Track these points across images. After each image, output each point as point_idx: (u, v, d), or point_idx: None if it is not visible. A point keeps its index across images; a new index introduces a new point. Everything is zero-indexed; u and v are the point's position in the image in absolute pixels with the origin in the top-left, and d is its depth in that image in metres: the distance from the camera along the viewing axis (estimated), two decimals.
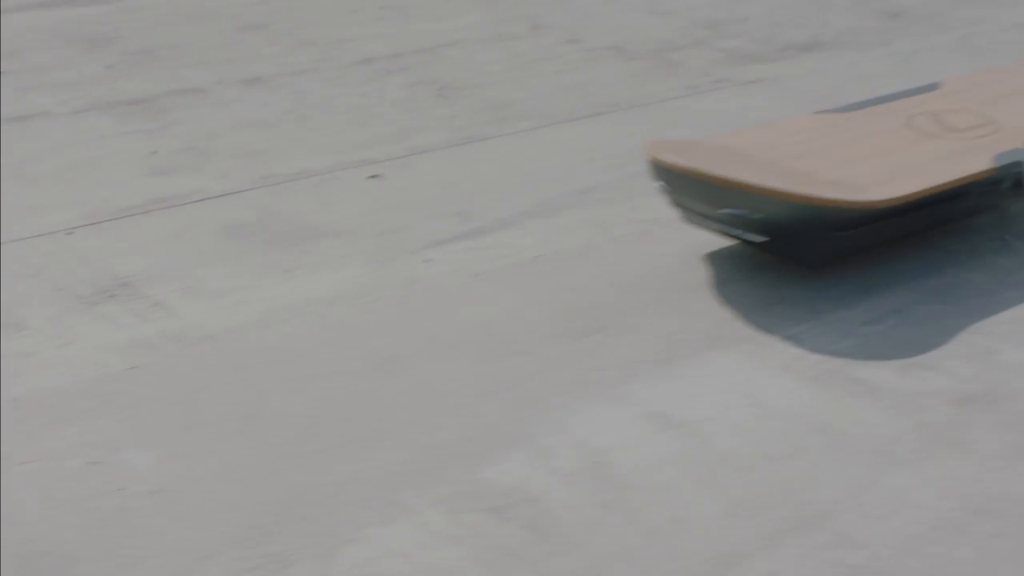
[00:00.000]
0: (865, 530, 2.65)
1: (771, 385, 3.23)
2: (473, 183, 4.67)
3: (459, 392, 3.22)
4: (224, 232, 4.26)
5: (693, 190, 3.74)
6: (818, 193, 3.63)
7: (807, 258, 3.84)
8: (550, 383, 3.24)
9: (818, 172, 3.96)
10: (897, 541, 2.61)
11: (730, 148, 4.06)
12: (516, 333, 3.52)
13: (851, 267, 3.95)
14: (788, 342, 3.46)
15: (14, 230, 4.28)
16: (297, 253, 4.08)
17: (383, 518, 2.71)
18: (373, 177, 4.71)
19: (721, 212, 3.70)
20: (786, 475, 2.85)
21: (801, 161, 4.07)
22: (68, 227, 4.30)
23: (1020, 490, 2.79)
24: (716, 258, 4.02)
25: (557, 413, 3.10)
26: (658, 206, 4.34)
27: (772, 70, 6.19)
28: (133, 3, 7.69)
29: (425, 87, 5.87)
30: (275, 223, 4.31)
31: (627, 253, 4.07)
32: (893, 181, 3.91)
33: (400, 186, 4.65)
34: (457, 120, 5.39)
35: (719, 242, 4.10)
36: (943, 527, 2.66)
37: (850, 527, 2.65)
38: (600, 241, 4.16)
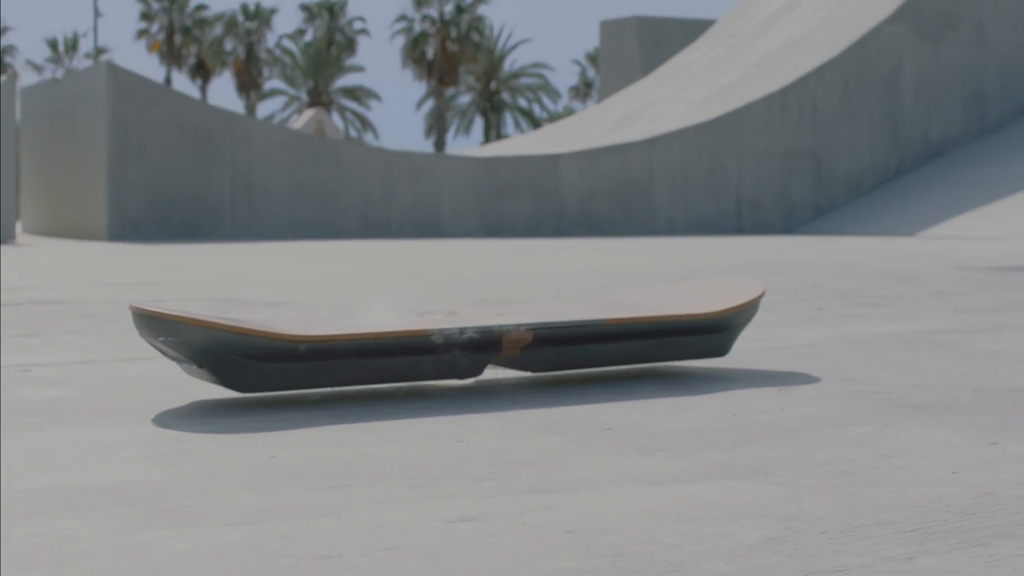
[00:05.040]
0: None
1: (110, 455, 3.90)
2: None
3: None
4: None
5: (147, 327, 4.49)
6: (224, 322, 4.39)
7: (235, 384, 4.52)
8: None
9: (279, 325, 4.72)
10: None
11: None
12: None
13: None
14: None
15: None
16: None
17: None
18: None
19: (157, 340, 4.46)
20: None
21: (280, 323, 4.85)
22: None
23: None
24: (214, 403, 4.74)
25: None
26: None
27: None
28: None
29: None
30: None
31: (145, 401, 4.83)
32: (331, 329, 4.66)
33: None
34: None
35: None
36: None
37: None
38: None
